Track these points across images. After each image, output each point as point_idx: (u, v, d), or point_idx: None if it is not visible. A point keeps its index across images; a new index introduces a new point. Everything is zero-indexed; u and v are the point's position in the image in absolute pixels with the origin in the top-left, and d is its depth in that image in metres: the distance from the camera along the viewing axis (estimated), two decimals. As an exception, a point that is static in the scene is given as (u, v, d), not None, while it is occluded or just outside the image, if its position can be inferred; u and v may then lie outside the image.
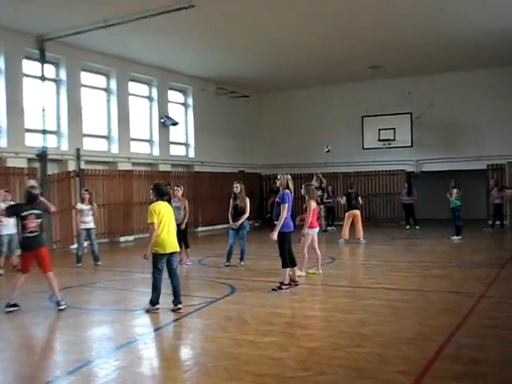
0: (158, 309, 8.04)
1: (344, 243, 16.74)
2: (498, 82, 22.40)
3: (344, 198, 17.71)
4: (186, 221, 12.89)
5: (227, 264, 12.40)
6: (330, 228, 21.34)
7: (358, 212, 17.19)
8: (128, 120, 20.20)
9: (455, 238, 17.24)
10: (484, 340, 6.27)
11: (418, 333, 6.63)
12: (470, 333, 6.60)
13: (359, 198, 17.64)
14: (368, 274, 11.39)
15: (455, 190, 17.16)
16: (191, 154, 23.49)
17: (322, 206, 20.45)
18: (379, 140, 23.46)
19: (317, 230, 11.03)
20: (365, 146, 23.98)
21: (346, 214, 17.32)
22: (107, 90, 19.67)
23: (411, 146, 23.18)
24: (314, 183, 20.92)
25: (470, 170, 22.54)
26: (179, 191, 13.07)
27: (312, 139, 25.59)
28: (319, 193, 20.47)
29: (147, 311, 8.04)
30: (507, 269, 11.54)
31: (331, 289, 9.76)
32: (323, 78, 24.09)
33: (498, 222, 20.59)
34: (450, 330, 6.66)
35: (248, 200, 12.42)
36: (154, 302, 8.10)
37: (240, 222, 12.29)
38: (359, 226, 17.09)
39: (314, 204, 10.73)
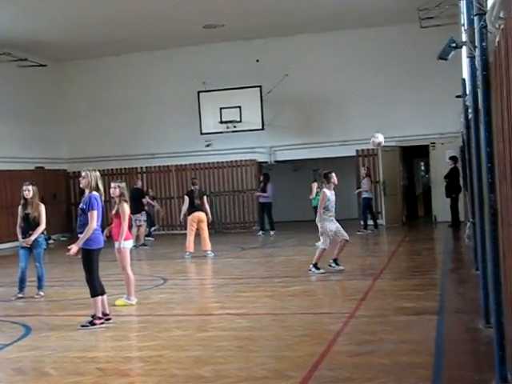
0: None
1: (190, 257, 16.90)
2: (367, 46, 23.58)
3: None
4: None
5: (20, 295, 12.11)
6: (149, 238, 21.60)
7: (203, 216, 17.13)
8: None
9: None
10: (351, 372, 6.54)
11: (270, 369, 6.78)
12: (335, 364, 6.87)
13: (205, 199, 17.58)
14: (210, 297, 11.56)
15: (315, 184, 17.88)
16: (-35, 147, 22.50)
17: (140, 214, 19.76)
18: (221, 122, 23.83)
19: (131, 242, 11.01)
20: (203, 131, 24.26)
21: (188, 218, 17.25)
22: None
23: (262, 128, 23.79)
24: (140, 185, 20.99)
25: (337, 157, 23.48)
26: None
27: (136, 123, 25.53)
28: (145, 202, 20.45)
29: None
30: (382, 279, 12.23)
31: (161, 319, 9.77)
32: (146, 41, 24.06)
33: (371, 222, 21.69)
34: (310, 363, 6.89)
35: (43, 207, 12.16)
36: None
37: (33, 237, 11.97)
38: (205, 234, 17.17)
39: (127, 208, 10.66)
